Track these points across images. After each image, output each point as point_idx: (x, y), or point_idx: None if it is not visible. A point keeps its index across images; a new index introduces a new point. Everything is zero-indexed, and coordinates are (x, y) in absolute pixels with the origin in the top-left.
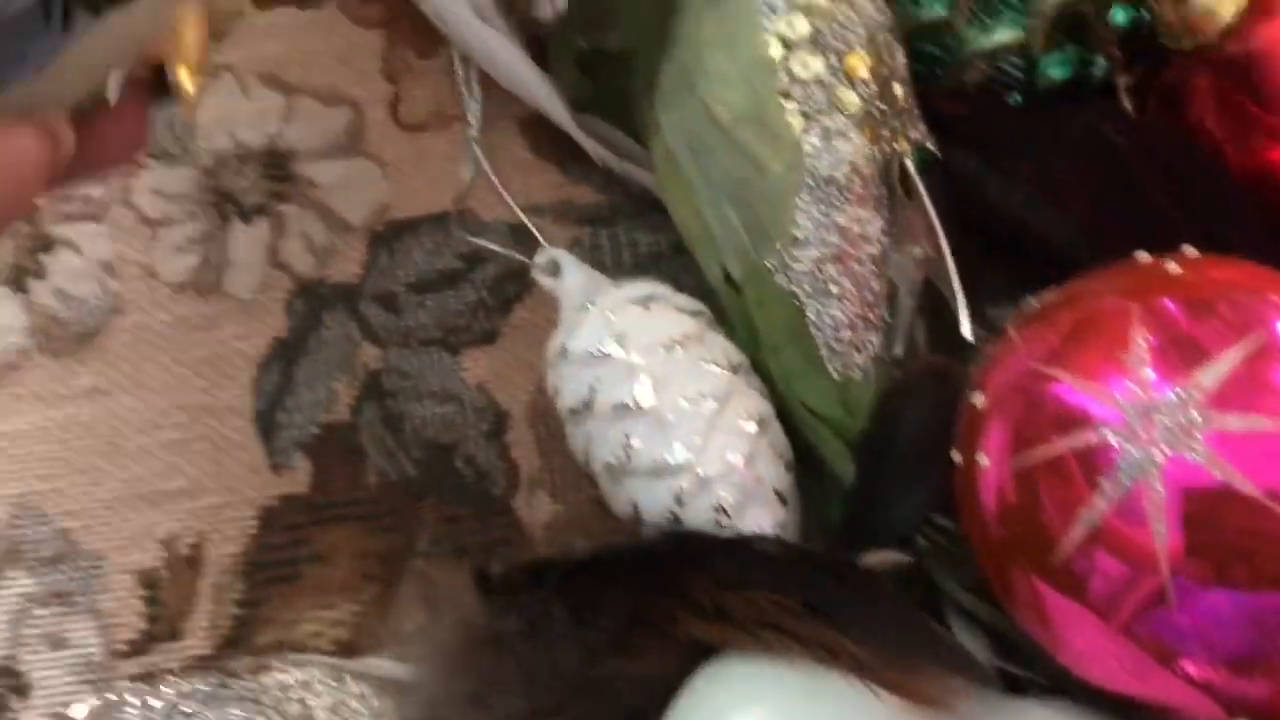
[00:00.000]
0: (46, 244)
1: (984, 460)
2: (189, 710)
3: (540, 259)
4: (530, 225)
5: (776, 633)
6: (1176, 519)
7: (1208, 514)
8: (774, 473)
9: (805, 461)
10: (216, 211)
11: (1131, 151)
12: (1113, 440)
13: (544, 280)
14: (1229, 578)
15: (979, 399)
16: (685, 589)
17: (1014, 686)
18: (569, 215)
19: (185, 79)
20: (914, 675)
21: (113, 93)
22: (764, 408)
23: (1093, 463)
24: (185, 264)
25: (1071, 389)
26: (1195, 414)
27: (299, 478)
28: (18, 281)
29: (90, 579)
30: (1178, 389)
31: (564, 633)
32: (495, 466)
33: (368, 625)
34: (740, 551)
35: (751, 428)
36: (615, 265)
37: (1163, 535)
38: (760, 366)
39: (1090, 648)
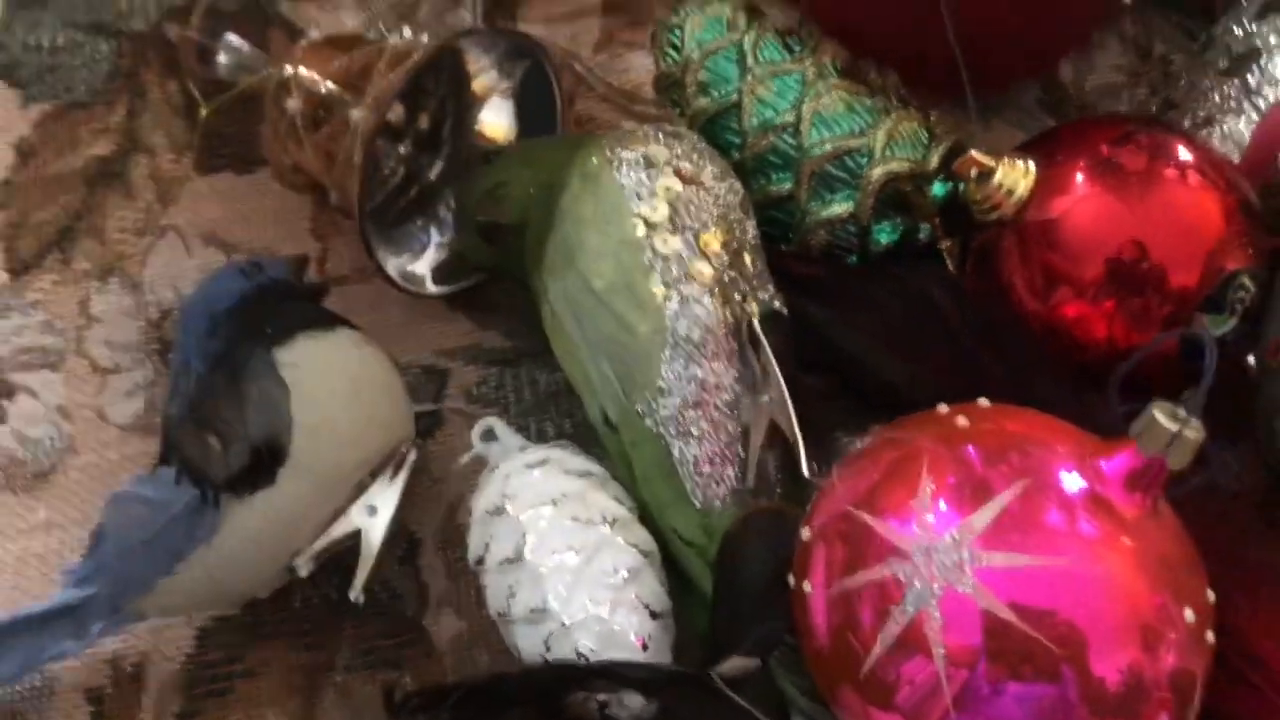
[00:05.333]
0: (8, 390)
1: (808, 587)
2: None
3: (478, 428)
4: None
5: None
6: (956, 640)
7: (977, 635)
8: (635, 621)
9: (684, 578)
10: (161, 359)
11: (952, 307)
12: (901, 575)
13: (478, 445)
14: (1001, 681)
15: (805, 533)
16: (566, 708)
17: None
18: (478, 358)
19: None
20: None
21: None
22: (635, 561)
23: (887, 594)
24: (132, 408)
25: (873, 529)
26: (966, 553)
27: None
28: None
29: (42, 698)
30: (953, 531)
31: None
32: (408, 589)
33: None
34: (611, 674)
35: (617, 579)
36: (517, 401)
37: (940, 656)
38: (639, 499)
39: None
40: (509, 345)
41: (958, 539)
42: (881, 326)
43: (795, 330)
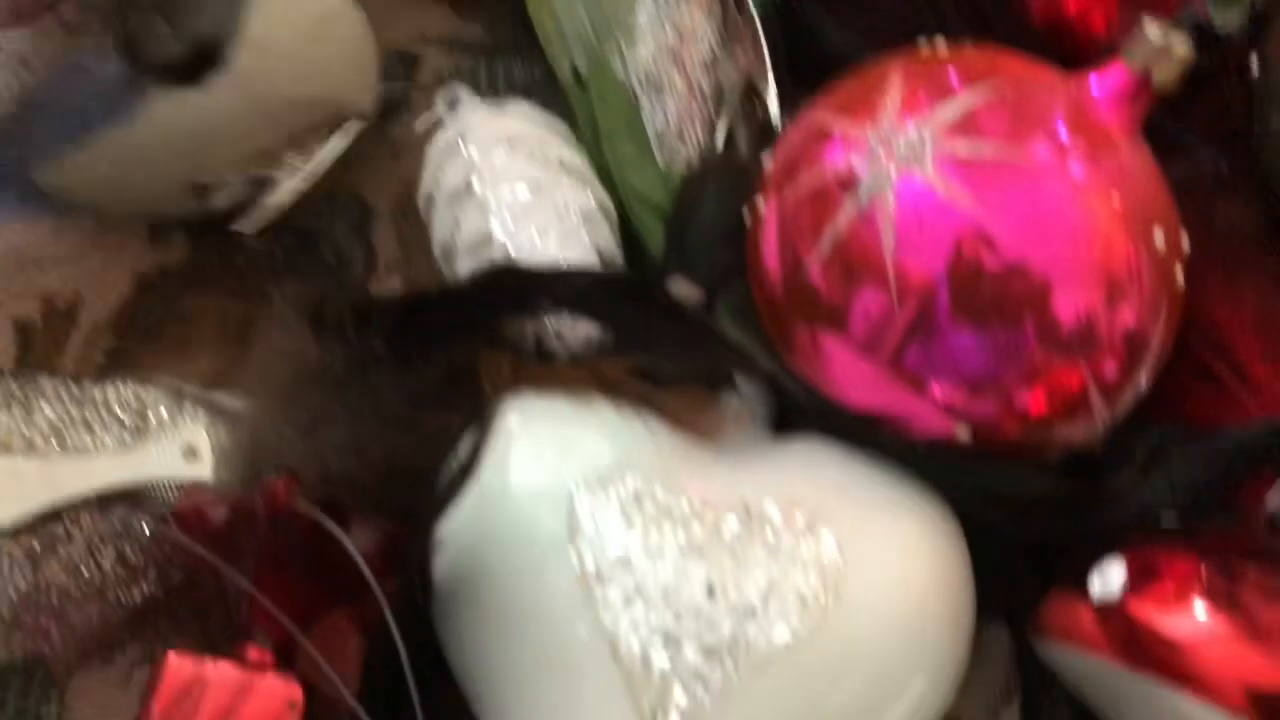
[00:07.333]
0: None
1: (762, 206)
2: None
3: (443, 94)
4: None
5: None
6: (906, 233)
7: (930, 231)
8: (584, 258)
9: (640, 251)
10: None
11: (954, 8)
12: (856, 164)
13: (440, 107)
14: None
15: (768, 160)
16: (498, 333)
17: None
18: (454, 46)
19: None
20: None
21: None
22: (589, 205)
23: (841, 186)
24: None
25: (831, 127)
26: (928, 137)
27: (175, 252)
28: None
29: None
30: (918, 119)
31: (388, 375)
32: (357, 253)
33: (221, 375)
34: (555, 284)
35: (570, 218)
36: (490, 90)
37: (890, 246)
38: (600, 162)
39: (852, 379)
40: (488, 37)
41: (920, 127)
42: (879, 26)
43: (786, 33)
